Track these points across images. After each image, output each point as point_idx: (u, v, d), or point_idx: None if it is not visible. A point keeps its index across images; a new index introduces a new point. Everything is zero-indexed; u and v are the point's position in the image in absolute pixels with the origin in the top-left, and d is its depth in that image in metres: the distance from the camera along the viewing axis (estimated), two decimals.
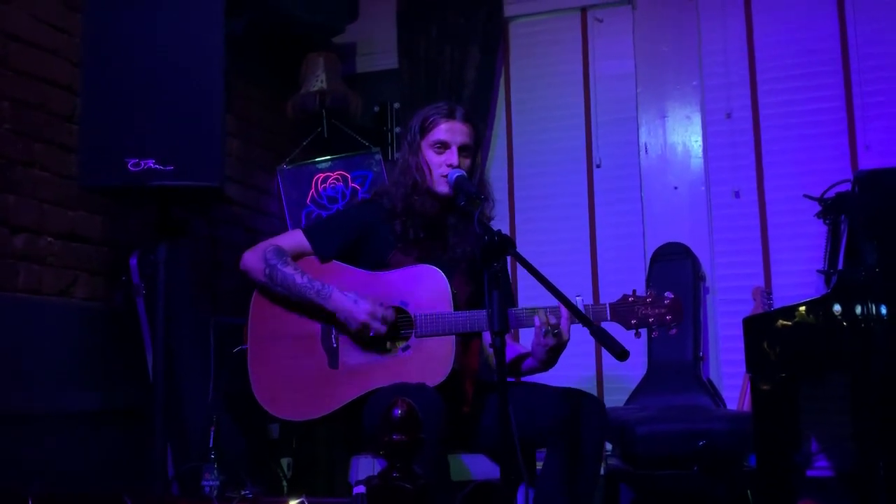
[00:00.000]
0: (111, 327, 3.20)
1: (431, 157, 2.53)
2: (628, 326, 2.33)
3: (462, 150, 2.53)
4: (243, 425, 3.26)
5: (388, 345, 2.40)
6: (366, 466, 2.49)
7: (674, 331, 2.33)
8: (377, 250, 2.54)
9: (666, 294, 2.34)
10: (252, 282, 2.49)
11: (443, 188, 2.50)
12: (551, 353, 2.32)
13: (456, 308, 2.39)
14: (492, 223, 2.61)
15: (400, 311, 2.40)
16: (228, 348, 3.10)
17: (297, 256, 2.50)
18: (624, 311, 2.33)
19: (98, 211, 3.27)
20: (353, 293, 2.37)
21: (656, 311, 2.32)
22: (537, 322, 2.27)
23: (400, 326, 2.40)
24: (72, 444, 2.96)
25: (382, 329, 2.34)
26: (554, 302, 2.13)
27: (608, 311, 2.33)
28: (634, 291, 2.35)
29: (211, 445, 2.92)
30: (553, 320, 2.26)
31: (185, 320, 3.17)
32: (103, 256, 3.28)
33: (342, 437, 3.61)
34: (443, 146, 2.52)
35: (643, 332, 2.34)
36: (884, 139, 4.03)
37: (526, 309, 2.34)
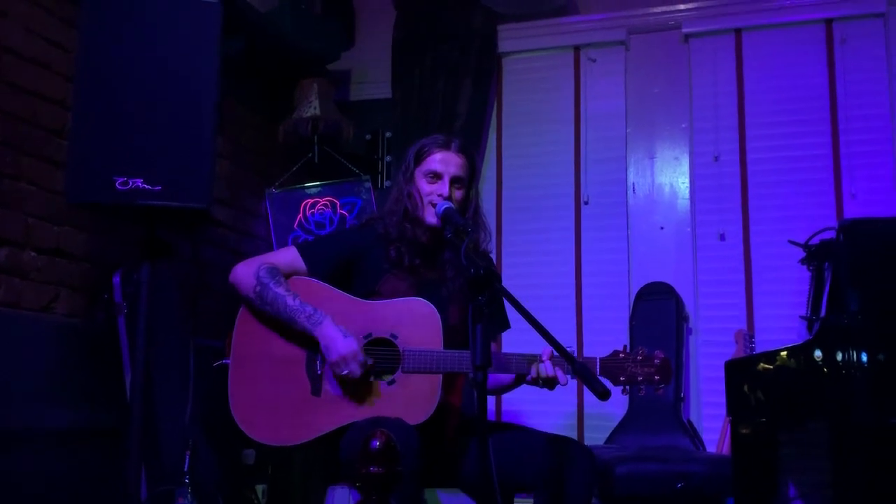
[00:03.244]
0: (90, 345, 3.17)
1: (423, 186, 2.53)
2: (616, 382, 2.33)
3: (454, 181, 2.53)
4: (219, 450, 3.22)
5: (372, 377, 2.37)
6: (341, 497, 2.47)
7: (661, 391, 2.35)
8: (369, 274, 2.52)
9: (656, 353, 2.36)
10: (239, 296, 2.46)
11: (432, 220, 2.49)
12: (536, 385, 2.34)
13: (448, 339, 2.37)
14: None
15: (389, 343, 2.39)
16: (208, 371, 3.08)
17: (290, 274, 2.47)
18: (614, 367, 2.34)
19: (84, 227, 3.25)
20: (344, 327, 2.35)
21: (645, 369, 2.33)
22: (532, 374, 2.30)
23: (387, 359, 2.38)
24: (44, 463, 2.92)
25: (357, 373, 2.30)
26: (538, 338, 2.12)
27: (598, 366, 2.33)
28: (625, 347, 2.36)
29: (186, 469, 2.89)
30: (549, 373, 2.27)
31: (166, 341, 3.15)
32: (86, 273, 3.26)
33: (318, 465, 3.58)
34: (435, 176, 2.52)
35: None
36: (869, 188, 4.07)
37: (515, 355, 2.34)
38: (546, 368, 2.28)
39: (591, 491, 2.31)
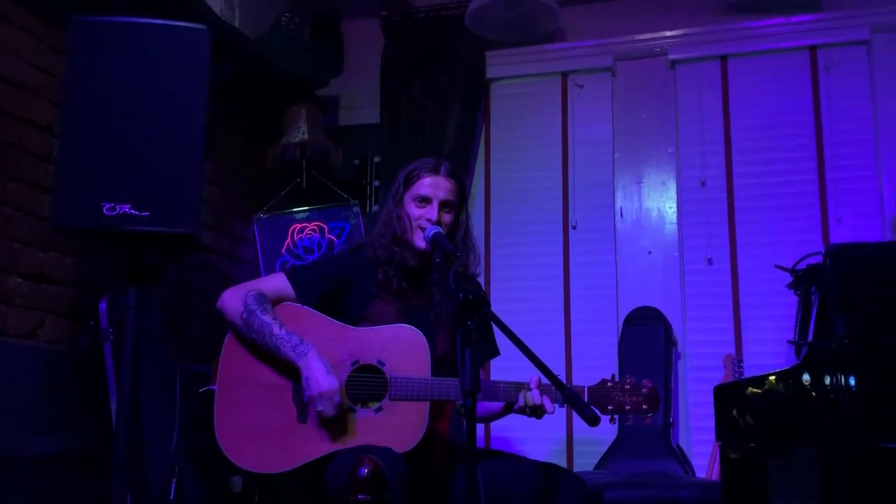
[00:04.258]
0: (76, 371, 3.14)
1: (413, 210, 2.53)
2: (605, 411, 2.32)
3: (444, 205, 2.53)
4: (205, 477, 3.19)
5: (359, 405, 2.36)
6: None
7: (649, 420, 2.35)
8: (358, 300, 2.51)
9: (644, 382, 2.35)
10: (226, 322, 2.45)
11: (421, 244, 2.49)
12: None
13: (436, 363, 2.36)
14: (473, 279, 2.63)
15: (376, 370, 2.37)
16: (194, 397, 3.05)
17: (278, 300, 2.46)
18: (601, 396, 2.33)
19: (69, 253, 3.23)
20: (328, 362, 2.34)
21: (633, 398, 2.33)
22: (520, 402, 2.28)
23: (374, 386, 2.36)
24: (29, 490, 2.88)
25: (329, 413, 2.29)
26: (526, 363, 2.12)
27: (586, 395, 2.32)
28: (613, 376, 2.36)
29: (172, 496, 2.86)
30: (536, 401, 2.26)
31: (152, 367, 3.12)
32: (72, 299, 3.23)
33: (305, 493, 3.54)
34: (424, 201, 2.52)
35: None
36: (855, 213, 4.10)
37: (503, 382, 2.33)
38: (533, 396, 2.27)
39: None
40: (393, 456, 2.15)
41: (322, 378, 2.28)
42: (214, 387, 2.41)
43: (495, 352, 2.61)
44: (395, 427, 2.30)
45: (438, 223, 2.49)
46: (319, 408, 2.28)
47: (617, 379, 2.35)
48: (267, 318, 2.37)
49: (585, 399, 2.31)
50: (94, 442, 3.07)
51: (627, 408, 2.32)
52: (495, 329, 2.47)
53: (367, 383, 2.36)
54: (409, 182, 2.57)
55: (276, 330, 2.35)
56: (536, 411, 2.29)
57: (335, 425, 2.32)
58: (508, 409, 2.39)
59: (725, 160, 4.35)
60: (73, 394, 3.11)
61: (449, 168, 2.58)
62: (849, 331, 2.94)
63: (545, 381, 2.10)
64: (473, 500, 1.85)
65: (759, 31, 4.37)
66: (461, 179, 2.61)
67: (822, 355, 2.95)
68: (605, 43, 4.60)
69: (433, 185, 2.53)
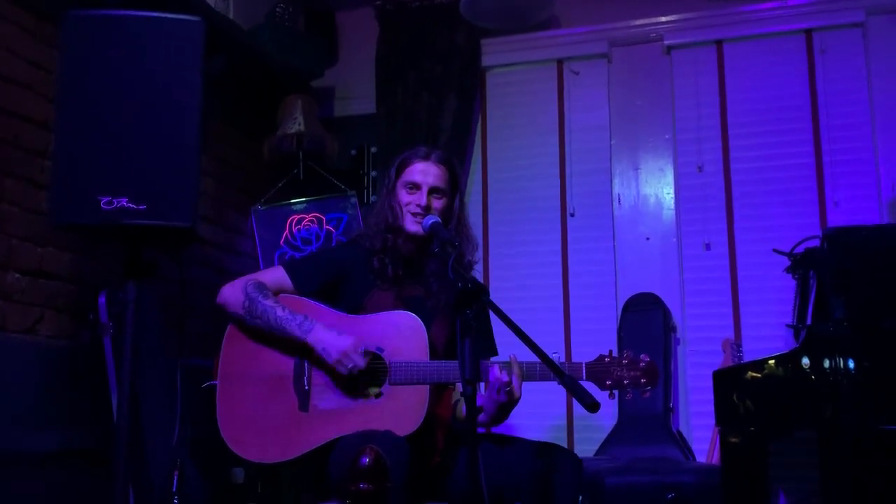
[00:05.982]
0: (76, 366, 3.15)
1: (403, 196, 2.56)
2: (603, 387, 2.32)
3: (433, 191, 2.54)
4: (207, 469, 3.20)
5: (361, 391, 2.37)
6: None
7: (648, 393, 2.34)
8: (356, 291, 2.53)
9: (642, 356, 2.35)
10: (228, 315, 2.46)
11: (412, 227, 2.51)
12: (501, 410, 2.30)
13: (433, 353, 2.37)
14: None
15: (375, 356, 2.38)
16: (195, 391, 3.05)
17: (277, 292, 2.48)
18: (599, 371, 2.33)
19: (67, 248, 3.23)
20: (336, 329, 2.36)
21: (632, 373, 2.32)
22: (491, 378, 2.26)
23: (374, 372, 2.38)
24: (31, 486, 2.88)
25: (361, 364, 2.31)
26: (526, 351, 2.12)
27: (584, 371, 2.33)
28: (611, 352, 2.35)
29: (174, 490, 2.87)
30: (505, 378, 2.25)
31: (152, 361, 3.13)
32: (71, 294, 3.23)
33: (308, 482, 3.56)
34: (414, 187, 2.55)
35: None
36: (852, 196, 4.10)
37: (495, 363, 2.33)
38: (498, 375, 2.24)
39: (577, 497, 2.29)
40: (395, 441, 2.16)
41: (335, 341, 2.31)
42: (215, 382, 2.42)
43: (493, 351, 2.60)
44: (397, 411, 2.31)
45: (428, 209, 2.51)
46: (350, 365, 2.30)
47: (615, 354, 2.35)
48: (269, 303, 2.40)
49: (583, 375, 2.32)
50: (95, 436, 3.08)
51: (626, 382, 2.32)
52: (494, 326, 2.48)
53: (368, 369, 2.37)
54: (400, 170, 2.61)
55: (279, 312, 2.37)
56: (506, 389, 2.26)
57: (336, 412, 2.33)
58: (499, 415, 2.35)
59: (722, 145, 4.35)
60: (74, 389, 3.12)
61: (440, 155, 2.61)
62: (847, 314, 2.94)
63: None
64: (475, 484, 1.86)
65: (755, 15, 4.37)
66: (453, 166, 2.63)
67: (821, 339, 2.95)
68: (601, 29, 4.58)
69: (423, 172, 2.56)
